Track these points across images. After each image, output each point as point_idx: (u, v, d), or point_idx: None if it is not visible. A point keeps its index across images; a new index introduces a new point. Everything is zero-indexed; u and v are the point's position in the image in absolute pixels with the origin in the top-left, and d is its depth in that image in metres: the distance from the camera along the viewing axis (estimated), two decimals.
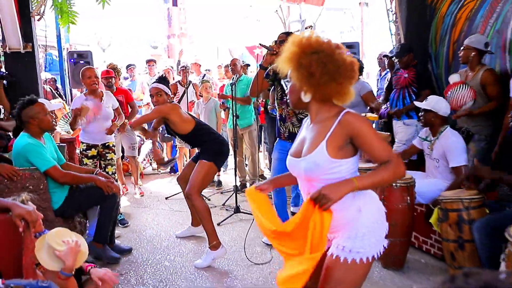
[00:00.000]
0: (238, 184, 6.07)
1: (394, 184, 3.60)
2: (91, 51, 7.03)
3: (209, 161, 4.07)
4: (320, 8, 10.46)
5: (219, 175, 6.80)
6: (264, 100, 6.63)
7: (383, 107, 5.52)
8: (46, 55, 9.68)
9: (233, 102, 5.58)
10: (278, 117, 4.14)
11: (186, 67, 7.37)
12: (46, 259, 2.45)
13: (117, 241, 4.37)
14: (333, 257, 1.92)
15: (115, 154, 5.21)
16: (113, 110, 5.18)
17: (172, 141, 7.48)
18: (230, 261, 4.05)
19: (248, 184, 6.44)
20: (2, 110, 4.49)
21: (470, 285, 0.92)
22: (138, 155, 6.90)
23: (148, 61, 9.01)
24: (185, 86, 7.09)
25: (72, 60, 6.72)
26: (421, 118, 4.09)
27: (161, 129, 7.59)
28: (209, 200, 5.99)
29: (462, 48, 4.35)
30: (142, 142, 7.73)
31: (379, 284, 3.45)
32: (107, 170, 4.92)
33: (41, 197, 3.62)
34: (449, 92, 4.20)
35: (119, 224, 4.93)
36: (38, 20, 5.24)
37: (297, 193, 5.11)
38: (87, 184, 3.99)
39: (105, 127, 4.97)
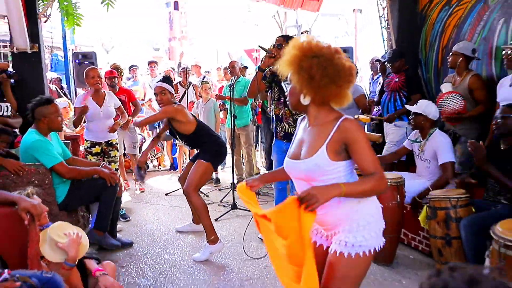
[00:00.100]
0: (236, 181, 6.08)
1: None
2: (95, 52, 7.01)
3: (207, 161, 4.09)
4: (315, 13, 10.46)
5: (217, 173, 6.81)
6: (262, 101, 6.64)
7: (375, 109, 5.54)
8: (52, 56, 9.66)
9: (231, 103, 5.59)
10: (274, 117, 4.14)
11: (186, 69, 7.37)
12: (49, 252, 2.46)
13: (118, 235, 4.37)
14: (336, 254, 1.90)
15: (118, 151, 5.23)
16: (115, 109, 5.19)
17: (172, 140, 7.48)
18: (227, 255, 4.05)
19: None
20: (10, 108, 4.48)
21: (455, 279, 0.93)
22: (139, 153, 6.89)
23: (150, 63, 9.00)
24: (186, 87, 7.09)
25: (77, 61, 6.70)
26: (411, 121, 4.11)
27: (160, 125, 7.61)
28: (207, 196, 6.00)
29: (450, 54, 4.38)
30: (143, 141, 7.72)
31: (369, 278, 3.46)
32: (110, 166, 4.92)
33: (46, 191, 3.63)
34: (440, 101, 4.21)
35: (121, 219, 4.93)
36: (45, 21, 5.22)
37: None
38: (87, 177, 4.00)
39: (107, 126, 4.98)
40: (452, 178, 3.79)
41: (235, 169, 5.87)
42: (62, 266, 2.42)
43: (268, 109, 6.31)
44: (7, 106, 4.44)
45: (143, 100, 8.00)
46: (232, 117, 5.55)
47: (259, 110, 6.89)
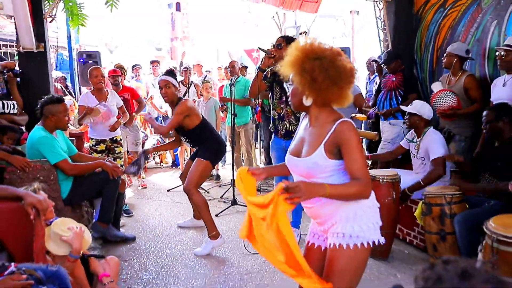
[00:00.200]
0: (236, 178, 6.08)
1: (381, 180, 3.64)
2: (99, 51, 7.01)
3: (206, 159, 4.07)
4: (314, 15, 10.43)
5: (217, 170, 6.81)
6: (261, 100, 6.64)
7: (371, 109, 5.55)
8: (57, 55, 9.63)
9: (232, 102, 5.59)
10: (276, 116, 4.12)
11: (188, 68, 7.36)
12: (54, 246, 2.48)
13: (121, 230, 4.38)
14: (336, 247, 1.90)
15: (122, 147, 5.24)
16: (118, 108, 5.20)
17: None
18: (227, 249, 4.06)
19: None
20: (16, 106, 4.48)
21: (448, 272, 0.94)
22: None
23: (152, 62, 8.98)
24: (187, 86, 7.08)
25: (81, 60, 6.69)
26: (406, 120, 4.12)
27: (162, 122, 7.60)
28: (208, 192, 6.00)
29: (445, 55, 4.38)
30: (146, 138, 7.72)
31: (366, 273, 3.43)
32: (115, 162, 4.93)
33: (51, 187, 3.63)
34: (434, 100, 4.22)
35: (124, 214, 4.94)
36: (50, 22, 5.21)
37: None
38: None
39: (109, 124, 4.99)
40: (444, 172, 3.80)
41: (235, 166, 5.87)
42: (67, 258, 2.44)
43: (266, 108, 6.32)
44: (13, 104, 4.44)
45: (145, 98, 7.99)
46: (233, 116, 5.55)
47: (259, 108, 6.89)
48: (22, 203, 2.45)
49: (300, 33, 11.82)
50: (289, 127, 4.02)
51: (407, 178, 3.94)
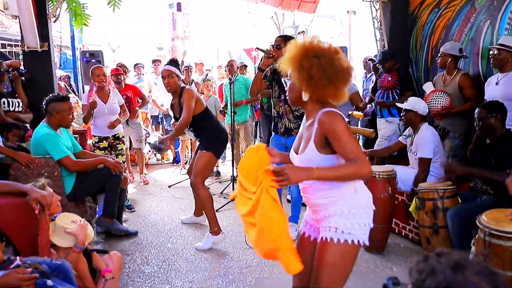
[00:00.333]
0: (235, 174, 6.08)
1: (377, 176, 3.65)
2: (102, 51, 6.99)
3: (208, 150, 4.02)
4: (312, 15, 10.43)
5: (217, 166, 6.81)
6: (261, 99, 6.63)
7: (368, 107, 5.55)
8: (60, 54, 9.60)
9: (231, 100, 5.59)
10: (275, 114, 4.12)
11: (189, 67, 7.35)
12: (59, 239, 2.49)
13: (124, 225, 4.38)
14: (327, 240, 1.90)
15: (125, 144, 5.25)
16: (119, 106, 5.20)
17: None
18: (227, 244, 4.07)
19: None
20: (21, 104, 4.48)
21: (441, 264, 0.94)
22: (145, 146, 6.89)
23: (154, 61, 8.97)
24: (188, 84, 7.07)
25: (84, 59, 6.68)
26: (402, 117, 4.14)
27: (163, 120, 7.60)
28: (208, 188, 5.98)
29: (439, 55, 4.38)
30: (147, 135, 7.71)
31: (362, 266, 3.48)
32: (118, 159, 4.93)
33: (56, 183, 3.63)
34: (427, 101, 4.22)
35: (126, 209, 4.94)
36: (54, 21, 5.19)
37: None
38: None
39: (109, 121, 5.00)
40: (426, 172, 3.84)
41: (234, 162, 5.87)
42: (73, 249, 2.46)
43: (265, 106, 6.31)
44: (18, 102, 4.44)
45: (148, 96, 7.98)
46: (232, 113, 5.55)
47: (258, 106, 6.89)
48: (27, 198, 2.46)
49: (299, 33, 11.81)
50: (288, 124, 4.03)
51: (403, 171, 3.97)
